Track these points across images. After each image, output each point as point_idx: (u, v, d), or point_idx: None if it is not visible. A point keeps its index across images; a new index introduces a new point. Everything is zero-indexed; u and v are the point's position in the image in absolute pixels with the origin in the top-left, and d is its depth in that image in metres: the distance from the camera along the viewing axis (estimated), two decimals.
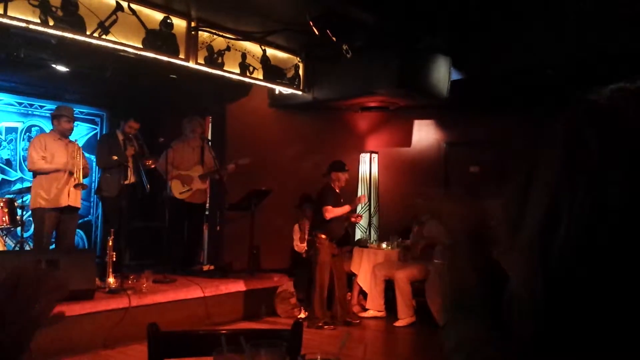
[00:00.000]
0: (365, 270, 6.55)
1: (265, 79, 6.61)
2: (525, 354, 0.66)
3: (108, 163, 6.22)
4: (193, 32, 5.80)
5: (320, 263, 5.77)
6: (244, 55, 6.34)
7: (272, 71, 6.66)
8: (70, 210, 5.90)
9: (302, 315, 6.00)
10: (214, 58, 6.03)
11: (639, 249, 0.58)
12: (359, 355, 1.31)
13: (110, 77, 6.38)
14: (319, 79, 7.02)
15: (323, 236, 5.79)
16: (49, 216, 5.70)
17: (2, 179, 7.41)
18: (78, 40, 4.99)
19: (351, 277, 6.68)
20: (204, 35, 5.91)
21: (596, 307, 0.60)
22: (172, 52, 5.62)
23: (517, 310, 0.67)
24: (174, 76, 6.33)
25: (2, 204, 6.12)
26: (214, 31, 5.97)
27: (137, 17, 5.30)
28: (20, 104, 7.48)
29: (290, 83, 6.89)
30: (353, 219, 6.25)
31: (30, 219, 6.11)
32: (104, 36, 5.07)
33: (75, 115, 7.76)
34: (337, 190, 5.91)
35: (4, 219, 6.07)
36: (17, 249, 6.45)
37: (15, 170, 7.44)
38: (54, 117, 6.02)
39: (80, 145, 7.96)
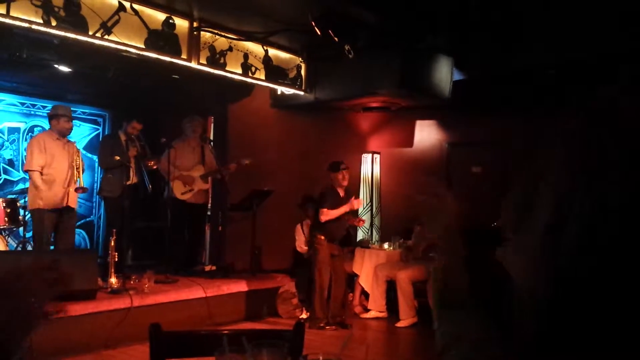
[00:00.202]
0: (367, 271, 6.54)
1: (267, 80, 6.61)
2: (526, 352, 0.66)
3: (110, 163, 6.22)
4: (195, 33, 5.80)
5: (319, 263, 5.78)
6: (246, 56, 6.34)
7: (274, 71, 6.66)
8: (68, 210, 5.89)
9: (304, 315, 5.99)
10: (216, 58, 6.03)
11: None
12: (360, 356, 1.31)
13: (112, 77, 6.39)
14: (321, 79, 7.02)
15: (322, 237, 5.80)
16: (47, 217, 5.69)
17: (5, 179, 7.42)
18: (80, 41, 5.00)
19: (353, 277, 6.68)
20: (206, 35, 5.91)
21: (599, 306, 0.59)
22: (174, 52, 5.62)
23: (519, 309, 0.67)
24: (176, 76, 6.34)
25: (4, 204, 6.14)
26: (216, 31, 5.97)
27: (140, 17, 5.30)
28: (22, 104, 7.49)
29: (292, 83, 6.89)
30: (355, 223, 6.24)
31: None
32: (106, 36, 5.07)
33: (77, 116, 7.76)
34: (338, 191, 5.90)
35: (5, 219, 6.08)
36: (19, 249, 6.45)
37: (18, 171, 7.45)
38: (53, 116, 5.93)
39: (82, 145, 8.03)
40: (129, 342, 4.76)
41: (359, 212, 7.75)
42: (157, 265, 6.23)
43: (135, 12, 5.27)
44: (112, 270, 5.31)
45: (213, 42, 5.98)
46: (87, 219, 8.07)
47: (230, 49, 6.18)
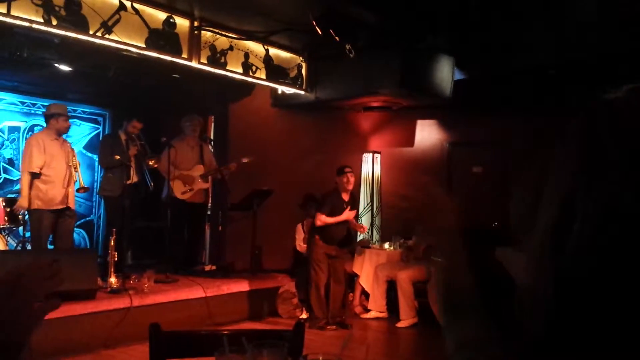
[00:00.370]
0: (368, 271, 6.54)
1: (267, 79, 6.61)
2: (531, 353, 0.66)
3: (111, 163, 6.22)
4: (196, 32, 5.80)
5: (314, 262, 5.80)
6: (246, 55, 6.34)
7: (275, 71, 6.65)
8: (68, 210, 5.87)
9: (304, 315, 5.99)
10: (217, 58, 6.02)
11: None
12: (360, 356, 1.30)
13: (113, 76, 6.38)
14: (322, 79, 7.01)
15: (317, 237, 5.83)
16: (46, 217, 5.66)
17: (5, 178, 7.42)
18: (81, 40, 4.99)
19: (353, 277, 6.67)
20: (206, 34, 5.91)
21: (606, 307, 0.59)
22: (174, 51, 5.62)
23: (526, 310, 0.66)
24: (176, 76, 6.33)
25: (3, 204, 6.13)
26: (216, 31, 5.97)
27: (140, 16, 5.30)
28: (22, 103, 7.49)
29: (293, 83, 6.89)
30: (357, 229, 6.24)
31: None
32: (107, 36, 5.06)
33: (77, 115, 7.75)
34: (342, 195, 5.88)
35: (5, 218, 6.08)
36: (19, 248, 6.45)
37: (18, 170, 7.45)
38: (51, 115, 5.84)
39: (82, 144, 8.03)
40: (129, 342, 4.75)
41: (360, 211, 7.75)
42: (157, 264, 6.22)
43: (136, 11, 5.26)
44: (112, 269, 5.30)
45: (214, 41, 5.98)
46: (87, 219, 8.07)
47: (231, 48, 6.17)
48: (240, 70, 6.29)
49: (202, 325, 5.34)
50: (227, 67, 6.15)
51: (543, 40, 5.72)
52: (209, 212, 7.34)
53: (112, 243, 5.38)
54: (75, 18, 4.87)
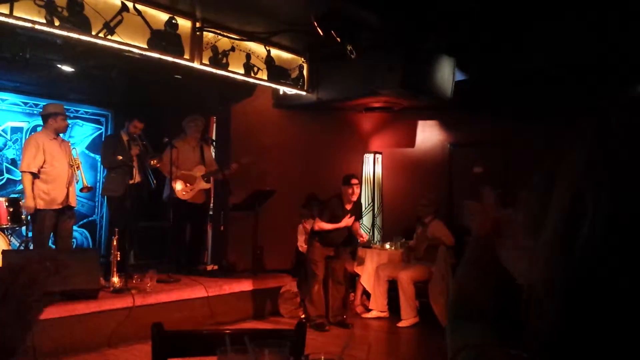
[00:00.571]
0: (369, 271, 6.55)
1: (269, 80, 6.62)
2: (539, 355, 0.66)
3: (113, 163, 6.23)
4: (198, 33, 5.81)
5: (311, 262, 5.82)
6: (248, 56, 6.35)
7: (277, 71, 6.66)
8: (69, 209, 5.88)
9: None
10: (219, 58, 6.04)
11: None
12: (362, 356, 1.32)
13: (115, 77, 6.40)
14: (323, 80, 7.02)
15: (316, 238, 5.85)
16: (48, 217, 5.67)
17: (8, 178, 7.44)
18: (83, 41, 5.01)
19: (354, 277, 6.68)
20: (208, 35, 5.92)
21: (618, 306, 0.59)
22: (177, 52, 5.63)
23: (536, 310, 0.66)
24: (178, 76, 6.35)
25: (6, 203, 6.15)
26: (218, 32, 5.98)
27: (142, 17, 5.31)
28: (25, 103, 7.51)
29: (294, 83, 6.90)
30: (357, 236, 6.21)
31: None
32: (109, 36, 5.08)
33: (80, 115, 7.76)
34: (345, 204, 5.84)
35: (7, 218, 6.10)
36: (21, 248, 6.47)
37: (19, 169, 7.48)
38: (48, 115, 5.81)
39: (85, 145, 8.05)
40: (132, 341, 4.77)
41: (362, 212, 7.75)
42: (160, 264, 6.24)
43: (138, 12, 5.28)
44: (115, 269, 5.32)
45: (215, 42, 5.99)
46: (90, 218, 8.10)
47: (233, 49, 6.18)
48: (241, 71, 6.31)
49: (204, 325, 5.36)
50: (229, 68, 6.16)
51: (546, 41, 5.72)
52: (210, 212, 7.35)
53: (115, 243, 5.39)
54: (78, 19, 4.88)
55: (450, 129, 7.77)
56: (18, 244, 6.59)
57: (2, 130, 7.41)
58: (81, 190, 6.03)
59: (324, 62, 6.84)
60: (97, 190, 7.86)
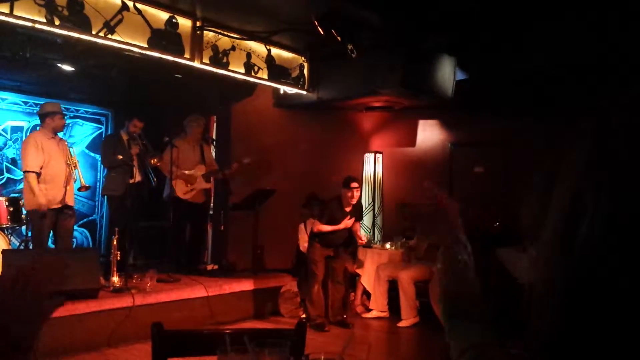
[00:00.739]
0: (369, 271, 6.54)
1: (270, 79, 6.61)
2: (539, 355, 0.66)
3: (113, 162, 6.23)
4: (198, 32, 5.81)
5: (311, 262, 5.82)
6: (248, 55, 6.35)
7: (277, 71, 6.66)
8: (67, 208, 5.86)
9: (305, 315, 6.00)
10: (219, 58, 6.03)
11: None
12: (362, 356, 1.31)
13: (115, 76, 6.39)
14: (324, 79, 7.01)
15: (316, 239, 5.86)
16: (47, 216, 5.63)
17: (8, 177, 7.44)
18: (84, 40, 5.00)
19: (355, 277, 6.68)
20: (209, 34, 5.92)
21: (618, 306, 0.59)
22: (177, 51, 5.63)
23: (536, 310, 0.66)
24: (179, 75, 6.34)
25: (6, 203, 6.14)
26: (219, 31, 5.98)
27: (143, 16, 5.31)
28: (25, 103, 7.51)
29: (294, 83, 6.89)
30: (357, 238, 6.20)
31: None
32: (109, 36, 5.07)
33: (80, 115, 7.74)
34: (345, 207, 5.83)
35: (7, 217, 6.09)
36: (22, 247, 6.47)
37: (21, 170, 7.48)
38: (46, 114, 5.77)
39: (85, 144, 8.05)
40: (132, 341, 4.77)
41: (362, 214, 7.75)
42: (160, 264, 6.24)
43: (139, 11, 5.27)
44: (115, 269, 5.32)
45: (216, 41, 5.99)
46: (90, 218, 8.10)
47: (233, 48, 6.18)
48: (242, 70, 6.30)
49: (204, 325, 5.36)
50: (230, 67, 6.16)
51: (547, 41, 5.72)
52: (211, 212, 7.35)
53: (115, 242, 5.39)
54: (78, 18, 4.87)
55: (451, 129, 7.77)
56: (18, 244, 6.58)
57: (2, 130, 7.41)
58: (79, 189, 6.01)
59: (325, 61, 6.84)
60: (97, 189, 7.85)
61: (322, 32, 5.52)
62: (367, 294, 6.63)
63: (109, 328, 4.80)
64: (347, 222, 5.78)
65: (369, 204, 7.99)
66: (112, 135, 7.18)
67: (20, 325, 0.92)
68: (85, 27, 4.93)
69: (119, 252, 5.35)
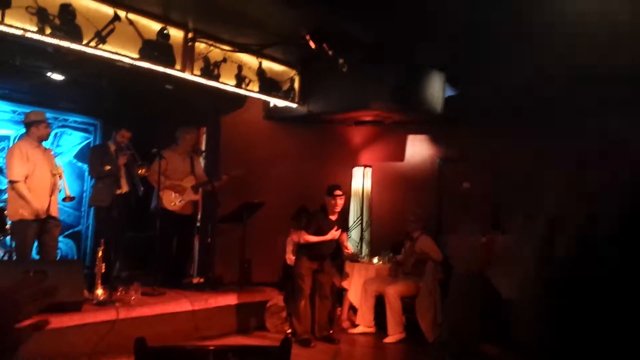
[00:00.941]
0: (356, 285, 6.52)
1: (260, 91, 6.63)
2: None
3: (101, 173, 6.17)
4: (190, 43, 5.81)
5: (297, 276, 5.79)
6: (240, 67, 6.36)
7: (268, 83, 6.67)
8: (52, 219, 5.72)
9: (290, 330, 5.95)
10: (210, 69, 6.03)
11: (634, 258, 0.59)
12: None
13: (105, 86, 6.36)
14: (314, 92, 7.05)
15: (303, 251, 5.84)
16: (31, 227, 5.52)
17: None
18: (74, 49, 4.98)
19: (341, 292, 6.65)
20: (200, 46, 5.93)
21: (590, 317, 0.60)
22: (168, 62, 5.62)
23: (519, 318, 0.68)
24: (169, 86, 6.33)
25: None
26: (210, 42, 5.99)
27: (134, 27, 5.30)
28: (14, 111, 7.44)
29: (285, 96, 6.91)
30: (343, 248, 6.19)
31: None
32: (100, 45, 5.06)
33: (68, 124, 7.67)
34: (329, 216, 5.85)
35: None
36: (5, 258, 6.37)
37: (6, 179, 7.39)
38: (31, 123, 5.66)
39: (73, 154, 7.98)
40: (115, 355, 4.69)
41: (350, 225, 7.74)
42: (145, 276, 6.17)
43: (130, 22, 5.27)
44: (99, 281, 5.24)
45: (207, 53, 5.99)
46: (76, 229, 8.00)
47: (225, 60, 6.19)
48: (233, 82, 6.31)
49: (188, 339, 5.30)
50: (220, 79, 6.16)
51: (536, 59, 5.79)
52: (198, 224, 7.30)
53: (100, 254, 5.31)
54: (69, 27, 4.86)
55: (440, 144, 7.81)
56: (2, 254, 6.49)
57: None
58: (64, 199, 5.92)
59: (316, 74, 6.88)
60: (83, 200, 7.78)
61: (313, 47, 5.55)
62: (353, 309, 6.60)
63: (92, 342, 4.72)
64: (334, 234, 5.77)
65: (357, 218, 7.99)
66: (100, 145, 7.12)
67: None
68: (77, 37, 4.91)
69: (104, 264, 5.28)
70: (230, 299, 6.03)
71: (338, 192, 5.83)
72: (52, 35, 4.76)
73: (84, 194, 7.78)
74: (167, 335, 5.10)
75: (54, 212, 5.73)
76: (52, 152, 5.98)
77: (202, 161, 7.33)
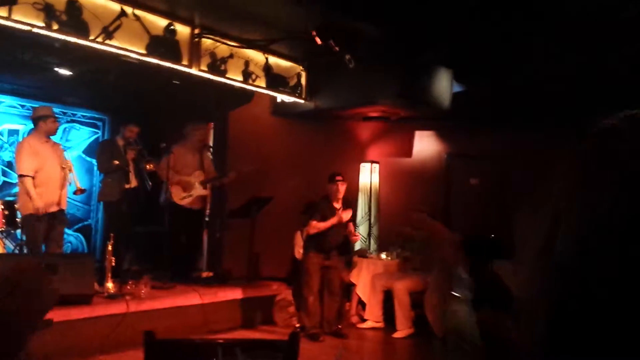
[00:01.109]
0: (365, 281, 6.52)
1: (267, 87, 6.62)
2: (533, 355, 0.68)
3: (109, 168, 6.22)
4: (196, 39, 5.81)
5: (306, 272, 5.80)
6: (246, 63, 6.35)
7: (275, 79, 6.66)
8: (61, 212, 5.81)
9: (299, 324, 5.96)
10: (217, 65, 6.03)
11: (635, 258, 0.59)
12: None
13: (113, 81, 6.39)
14: (321, 88, 7.03)
15: (312, 246, 5.84)
16: (42, 220, 5.59)
17: (4, 181, 7.41)
18: (81, 45, 5.00)
19: (350, 287, 6.66)
20: (207, 42, 5.93)
21: (596, 316, 0.60)
22: (175, 58, 5.63)
23: (528, 315, 0.68)
24: (176, 82, 6.34)
25: (2, 207, 6.11)
26: (217, 38, 5.98)
27: (141, 23, 5.31)
28: (22, 106, 7.50)
29: (292, 91, 6.90)
30: (350, 237, 6.19)
31: None
32: (107, 41, 5.07)
33: (77, 119, 7.72)
34: (333, 203, 5.87)
35: (3, 221, 6.05)
36: (16, 251, 6.43)
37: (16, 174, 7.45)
38: (39, 118, 5.73)
39: (82, 149, 8.04)
40: (125, 348, 4.73)
41: (358, 220, 7.75)
42: (155, 270, 6.20)
43: (137, 17, 5.28)
44: (109, 274, 5.29)
45: (214, 49, 5.99)
46: (85, 223, 8.06)
47: (231, 56, 6.19)
48: (240, 78, 6.31)
49: (197, 333, 5.32)
50: (227, 75, 6.16)
51: (544, 56, 5.75)
52: (207, 219, 7.33)
53: (110, 248, 5.36)
54: (76, 23, 4.87)
55: (447, 140, 7.79)
56: (13, 247, 6.55)
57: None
58: (74, 192, 5.98)
59: (323, 70, 6.86)
60: (93, 194, 7.82)
61: (320, 42, 5.54)
62: (362, 304, 6.61)
63: (102, 334, 4.76)
64: (340, 216, 5.78)
65: (365, 214, 7.99)
66: (108, 140, 7.16)
67: (5, 334, 0.92)
68: (84, 32, 4.93)
69: (113, 258, 5.32)
70: (239, 293, 6.05)
71: (339, 178, 5.90)
72: (59, 30, 4.77)
73: (94, 189, 7.82)
74: (176, 328, 5.14)
75: (63, 205, 5.81)
76: (60, 147, 6.03)
77: (209, 156, 7.35)
